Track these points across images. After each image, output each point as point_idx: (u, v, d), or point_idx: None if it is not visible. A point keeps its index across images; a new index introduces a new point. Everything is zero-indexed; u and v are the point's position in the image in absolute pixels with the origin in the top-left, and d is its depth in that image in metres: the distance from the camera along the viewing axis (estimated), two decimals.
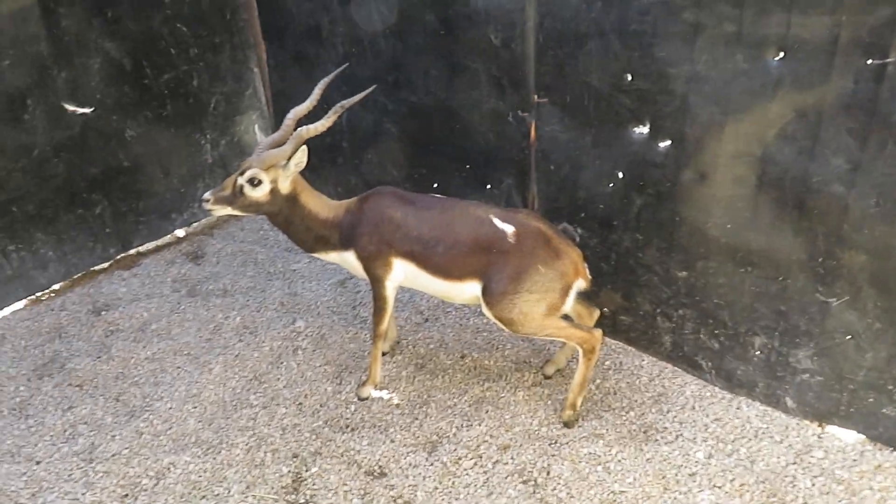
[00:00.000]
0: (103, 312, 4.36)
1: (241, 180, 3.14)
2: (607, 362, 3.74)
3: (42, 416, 3.56)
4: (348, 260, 3.39)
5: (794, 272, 2.99)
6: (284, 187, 3.21)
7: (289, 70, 4.87)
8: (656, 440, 3.24)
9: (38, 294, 4.52)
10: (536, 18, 3.38)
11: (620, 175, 3.34)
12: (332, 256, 3.44)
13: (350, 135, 4.61)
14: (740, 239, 3.08)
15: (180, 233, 5.19)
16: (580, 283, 3.17)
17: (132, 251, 4.94)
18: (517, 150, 3.74)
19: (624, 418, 3.38)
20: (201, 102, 4.99)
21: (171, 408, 3.59)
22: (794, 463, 3.06)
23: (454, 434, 3.35)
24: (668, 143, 3.13)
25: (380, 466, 3.21)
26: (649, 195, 3.28)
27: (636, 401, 3.48)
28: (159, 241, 5.07)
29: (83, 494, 3.10)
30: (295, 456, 3.28)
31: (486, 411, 3.47)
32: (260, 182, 3.14)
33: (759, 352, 3.23)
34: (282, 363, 3.89)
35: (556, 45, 3.34)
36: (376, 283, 3.35)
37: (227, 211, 3.21)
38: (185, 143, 5.00)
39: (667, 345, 3.58)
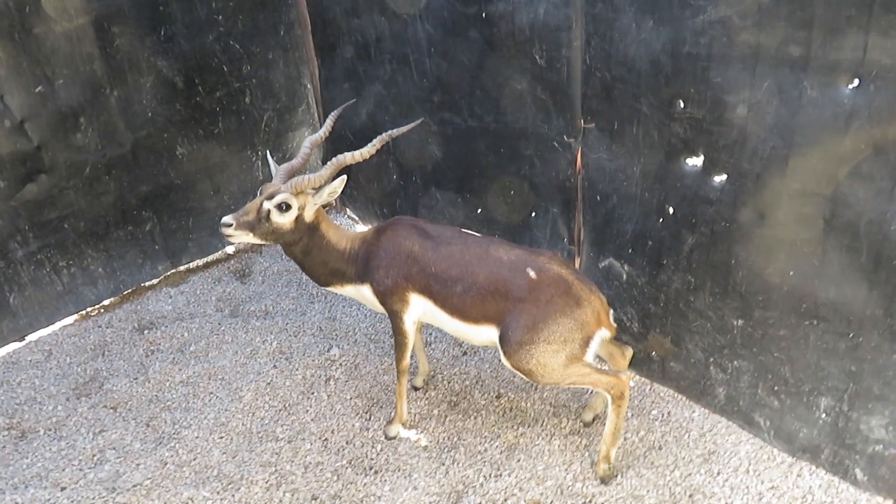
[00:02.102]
0: (146, 331, 4.36)
1: (269, 205, 2.99)
2: (654, 411, 3.42)
3: (74, 439, 3.56)
4: (364, 294, 3.23)
5: (867, 329, 2.61)
6: (309, 215, 3.08)
7: (340, 86, 4.77)
8: None
9: (89, 309, 4.58)
10: (583, 38, 3.12)
11: (671, 210, 3.03)
12: (348, 290, 3.29)
13: (396, 156, 4.46)
14: (805, 288, 2.72)
15: (230, 249, 5.17)
16: (603, 333, 2.92)
17: (182, 268, 4.95)
18: (563, 177, 3.47)
19: (668, 478, 3.06)
20: (253, 119, 4.96)
21: (197, 437, 3.52)
22: None
23: (481, 485, 3.13)
24: (724, 177, 2.80)
25: None
26: (702, 234, 2.96)
27: (683, 458, 3.15)
28: (209, 258, 5.07)
29: None
30: (314, 498, 3.14)
31: (518, 460, 3.23)
32: (289, 207, 3.00)
33: (825, 414, 2.85)
34: (312, 393, 3.77)
35: (603, 67, 3.06)
36: (395, 318, 3.18)
37: (247, 238, 3.05)
38: (237, 159, 4.97)
39: (720, 397, 3.23)
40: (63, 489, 3.27)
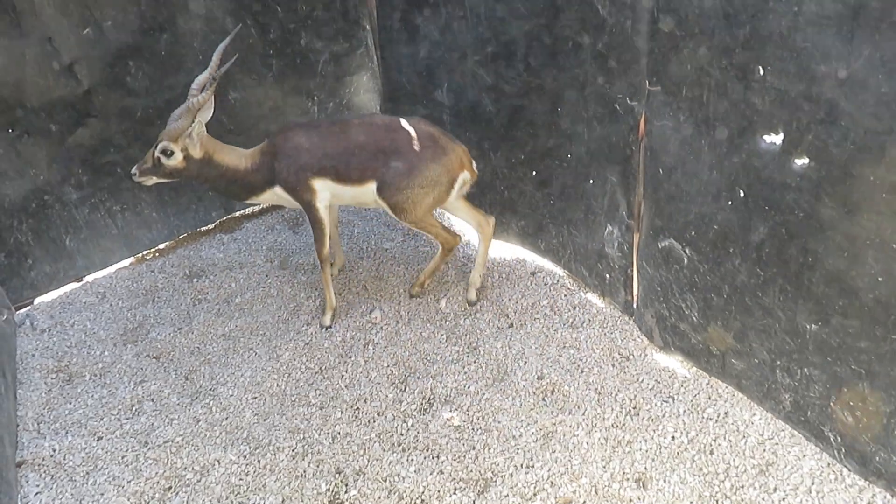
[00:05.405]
0: (196, 279, 4.35)
1: (157, 152, 3.44)
2: (709, 409, 3.10)
3: (116, 387, 3.60)
4: (279, 195, 3.63)
5: None
6: (196, 153, 3.49)
7: (395, 31, 4.45)
8: None
9: (144, 252, 4.60)
10: None
11: (741, 193, 2.63)
12: (265, 197, 3.70)
13: (451, 109, 4.14)
14: None
15: None
16: (465, 176, 3.52)
17: (236, 213, 4.89)
18: (623, 144, 3.10)
19: (716, 489, 2.77)
20: (308, 62, 4.73)
21: (232, 395, 3.49)
22: None
23: (510, 475, 2.94)
24: (806, 161, 2.38)
25: (422, 501, 2.89)
26: (776, 224, 2.55)
27: (736, 467, 2.84)
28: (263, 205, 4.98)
29: (129, 482, 3.08)
30: (338, 472, 3.05)
31: (553, 451, 3.02)
32: (172, 152, 3.44)
33: None
34: (350, 357, 3.65)
35: (673, 22, 2.63)
36: (308, 208, 3.59)
37: (154, 180, 3.55)
38: (292, 104, 4.79)
39: (786, 403, 2.87)
40: (99, 439, 3.31)
